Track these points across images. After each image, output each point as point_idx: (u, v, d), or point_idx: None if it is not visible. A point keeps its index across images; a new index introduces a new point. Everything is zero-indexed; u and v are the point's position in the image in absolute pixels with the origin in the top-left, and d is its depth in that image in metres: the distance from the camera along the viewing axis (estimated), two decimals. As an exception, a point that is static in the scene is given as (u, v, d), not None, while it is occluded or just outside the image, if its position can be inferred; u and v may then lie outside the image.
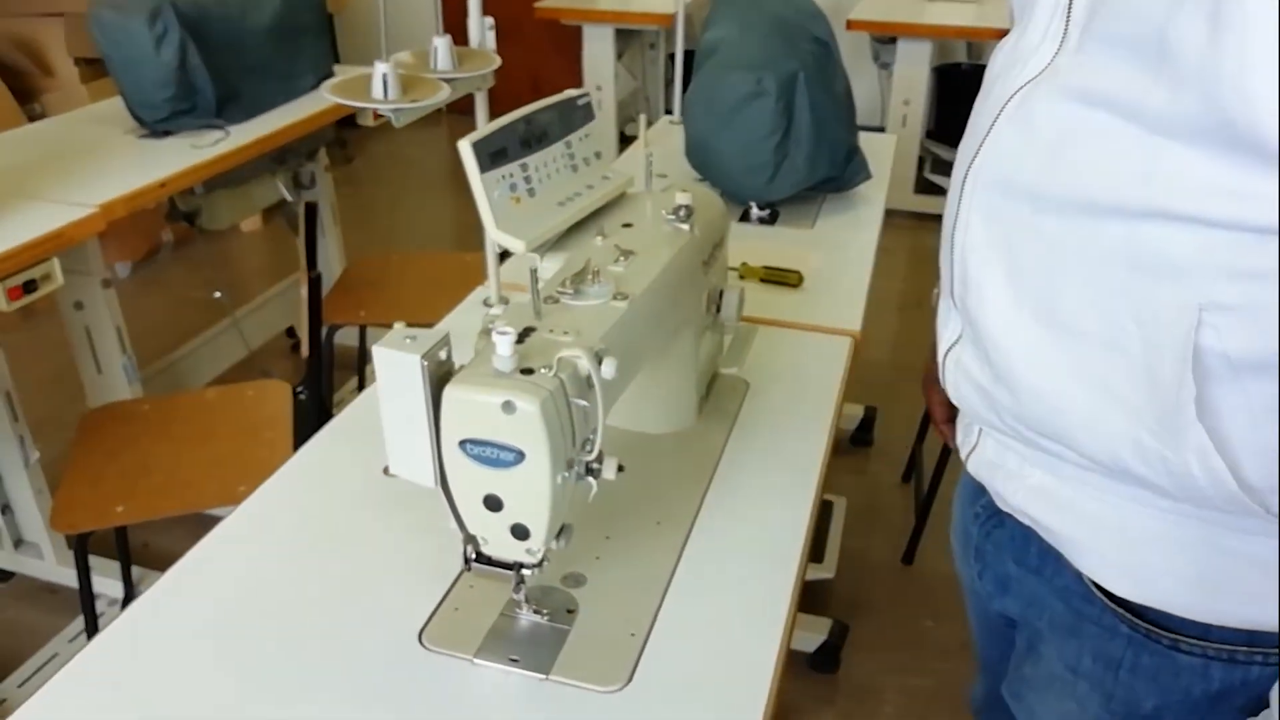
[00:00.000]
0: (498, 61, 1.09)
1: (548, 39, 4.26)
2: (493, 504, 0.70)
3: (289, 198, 2.14)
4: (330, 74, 2.26)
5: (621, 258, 0.89)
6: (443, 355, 0.69)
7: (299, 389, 1.71)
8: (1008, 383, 0.66)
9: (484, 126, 0.88)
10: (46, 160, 1.80)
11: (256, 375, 2.48)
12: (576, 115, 1.00)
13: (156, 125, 1.92)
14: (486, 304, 1.33)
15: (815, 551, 2.00)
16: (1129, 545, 0.65)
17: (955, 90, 3.81)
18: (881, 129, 3.81)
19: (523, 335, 0.74)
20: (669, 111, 2.31)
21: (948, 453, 2.02)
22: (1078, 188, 0.59)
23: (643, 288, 0.84)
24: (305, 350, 1.44)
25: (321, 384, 1.48)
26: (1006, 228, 0.64)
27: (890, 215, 1.73)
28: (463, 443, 0.68)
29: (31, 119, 2.88)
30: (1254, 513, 0.58)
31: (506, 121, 0.90)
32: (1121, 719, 0.72)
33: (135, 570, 1.86)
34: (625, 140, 4.07)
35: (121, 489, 1.44)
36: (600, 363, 0.71)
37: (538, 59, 4.57)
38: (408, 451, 0.70)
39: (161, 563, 1.94)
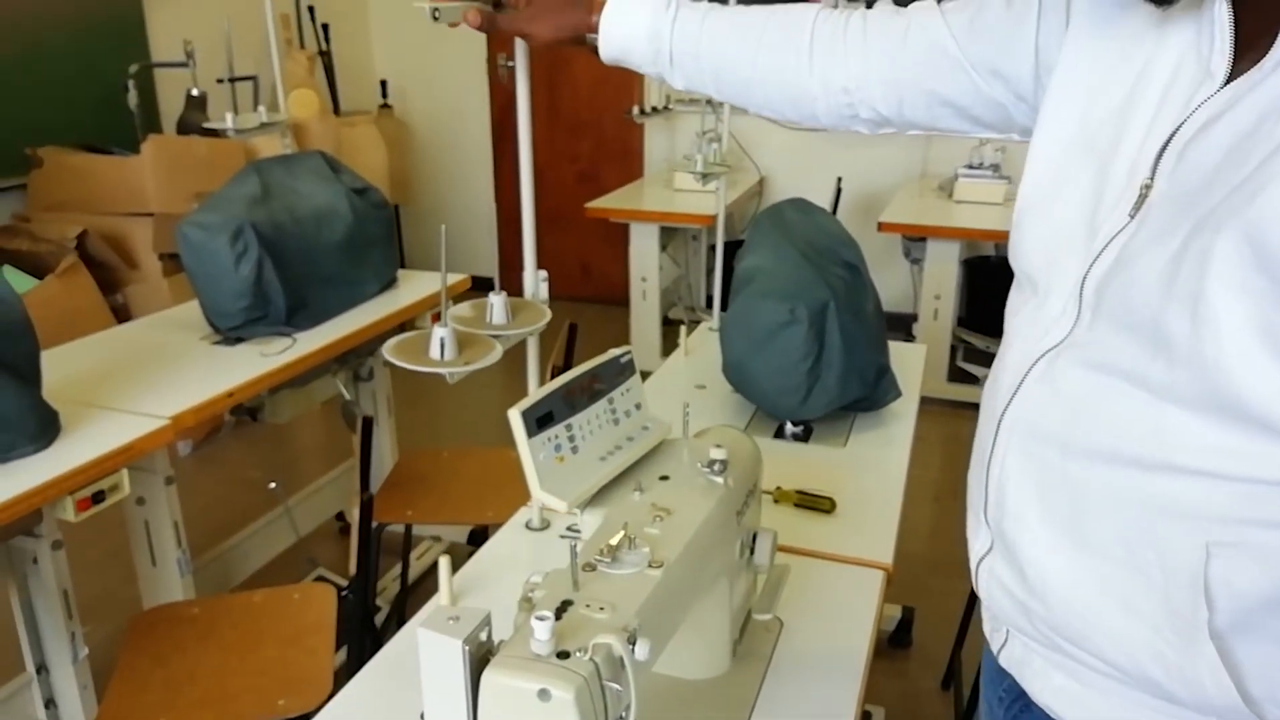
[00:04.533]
0: (549, 315, 1.18)
1: (597, 231, 4.51)
2: (526, 786, 0.72)
3: (347, 396, 2.25)
4: (394, 280, 2.42)
5: (658, 517, 0.93)
6: (483, 636, 0.73)
7: (344, 591, 1.75)
8: (1041, 596, 0.74)
9: (533, 393, 0.96)
10: (124, 367, 1.93)
11: (304, 564, 2.54)
12: (619, 372, 1.07)
13: (230, 332, 2.06)
14: (529, 527, 1.38)
15: (857, 768, 1.94)
16: None
17: (985, 280, 3.92)
18: (914, 316, 3.91)
19: (561, 609, 0.78)
20: (709, 301, 2.43)
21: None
22: (1098, 441, 0.69)
23: (677, 553, 0.88)
24: (353, 565, 1.50)
25: (368, 595, 1.52)
26: (1038, 467, 0.74)
27: (925, 403, 1.79)
28: (500, 726, 0.71)
29: (114, 309, 3.09)
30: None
31: (554, 387, 0.97)
32: None
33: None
34: (668, 323, 4.22)
35: (165, 699, 1.47)
36: (634, 645, 0.74)
37: (587, 248, 4.82)
38: (447, 730, 0.73)
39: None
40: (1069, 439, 0.71)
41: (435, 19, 0.98)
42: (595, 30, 0.98)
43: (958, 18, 0.90)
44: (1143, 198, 0.69)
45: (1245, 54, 0.66)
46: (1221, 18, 0.67)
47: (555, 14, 0.99)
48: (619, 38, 0.98)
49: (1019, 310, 0.81)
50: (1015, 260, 0.82)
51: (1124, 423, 0.67)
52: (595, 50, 1.00)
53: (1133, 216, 0.70)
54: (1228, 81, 0.67)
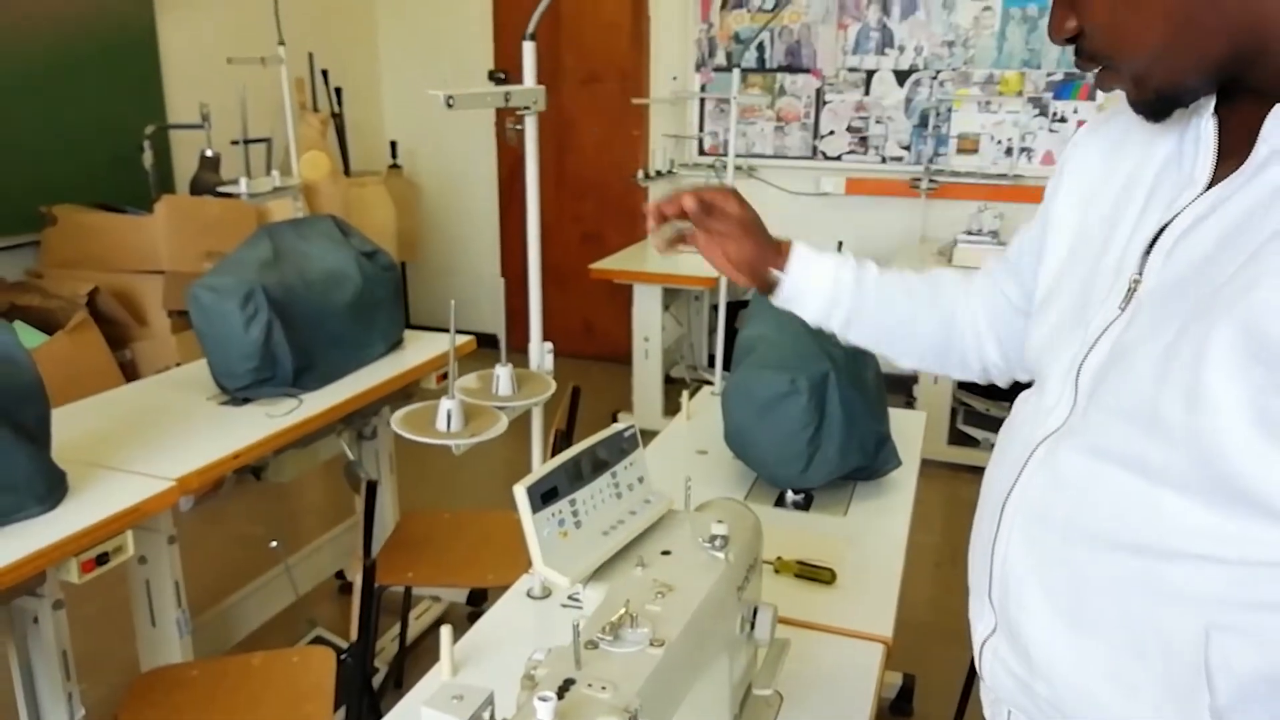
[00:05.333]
0: (553, 387, 1.21)
1: (601, 290, 4.56)
2: None
3: (351, 456, 2.27)
4: (400, 341, 2.45)
5: (659, 594, 0.95)
6: (486, 716, 0.74)
7: (343, 655, 1.74)
8: (1046, 678, 0.76)
9: (538, 468, 0.98)
10: (131, 427, 1.95)
11: (303, 623, 2.53)
12: (622, 445, 1.09)
13: (237, 393, 2.09)
14: (531, 595, 1.39)
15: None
16: None
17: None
18: (914, 378, 3.93)
19: (563, 689, 0.79)
20: (711, 360, 2.46)
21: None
22: (1098, 526, 0.71)
23: (678, 631, 0.89)
24: (354, 632, 1.50)
25: (367, 660, 1.52)
26: (1042, 552, 0.76)
27: (925, 466, 1.81)
28: (501, 809, 0.71)
29: (121, 365, 3.12)
30: None
31: (559, 463, 0.99)
32: None
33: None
34: (670, 382, 4.24)
35: (163, 766, 1.46)
36: (634, 726, 0.75)
37: (591, 306, 4.86)
38: (449, 811, 0.74)
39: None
40: (1070, 524, 0.74)
41: (450, 106, 1.03)
42: (781, 269, 1.04)
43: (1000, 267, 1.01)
44: (1131, 291, 0.74)
45: (1225, 160, 0.71)
46: (1207, 131, 0.72)
47: (755, 246, 1.05)
48: (798, 290, 1.04)
49: (1023, 402, 0.85)
50: (1032, 360, 0.86)
51: (1123, 508, 0.70)
52: (766, 285, 1.06)
53: (1123, 309, 0.74)
54: (1209, 185, 0.71)
